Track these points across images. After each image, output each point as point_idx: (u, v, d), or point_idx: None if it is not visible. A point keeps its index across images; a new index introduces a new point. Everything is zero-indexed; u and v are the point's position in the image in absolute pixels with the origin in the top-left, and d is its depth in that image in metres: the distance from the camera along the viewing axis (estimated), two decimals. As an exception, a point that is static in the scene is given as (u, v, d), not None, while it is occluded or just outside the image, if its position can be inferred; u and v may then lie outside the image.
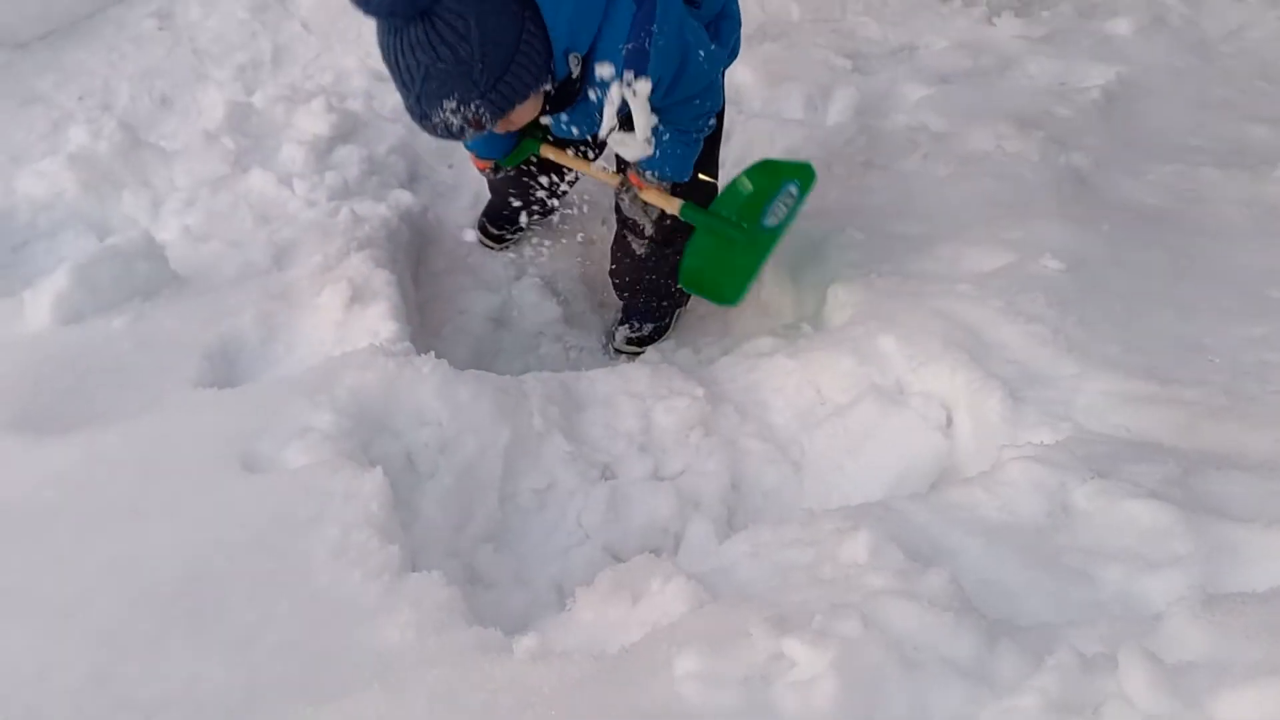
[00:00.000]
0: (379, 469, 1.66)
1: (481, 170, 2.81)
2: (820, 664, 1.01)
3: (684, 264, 2.46)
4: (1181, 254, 2.44)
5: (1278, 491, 1.30)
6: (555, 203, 2.92)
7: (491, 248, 3.18)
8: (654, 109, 2.07)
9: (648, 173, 2.36)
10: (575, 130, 2.31)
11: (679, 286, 2.59)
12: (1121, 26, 4.27)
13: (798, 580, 1.27)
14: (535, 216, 3.05)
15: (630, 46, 1.99)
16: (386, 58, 1.94)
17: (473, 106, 1.92)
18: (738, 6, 2.50)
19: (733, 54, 2.56)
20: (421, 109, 1.96)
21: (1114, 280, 2.24)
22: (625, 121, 2.07)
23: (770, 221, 2.39)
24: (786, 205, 2.42)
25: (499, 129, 2.09)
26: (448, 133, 2.00)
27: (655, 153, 2.19)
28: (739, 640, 1.08)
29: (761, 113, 3.61)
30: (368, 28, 3.93)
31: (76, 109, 3.65)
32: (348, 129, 3.30)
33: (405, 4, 1.80)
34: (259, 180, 3.05)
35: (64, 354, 2.22)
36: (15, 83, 3.73)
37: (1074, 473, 1.42)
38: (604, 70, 2.01)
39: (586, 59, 2.05)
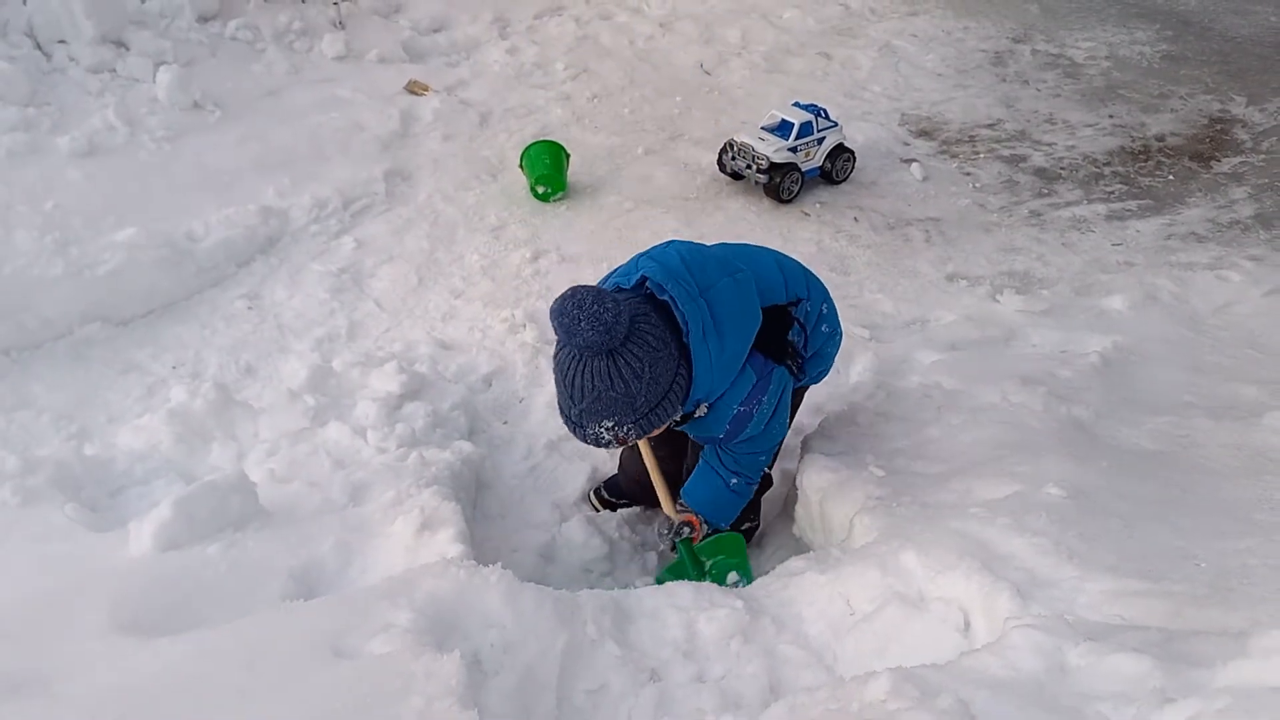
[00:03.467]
0: (456, 652, 1.87)
1: None
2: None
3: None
4: (1175, 486, 2.68)
5: (1244, 647, 1.47)
6: None
7: (598, 510, 3.51)
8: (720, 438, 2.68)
9: (699, 516, 2.87)
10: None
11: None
12: (1116, 303, 4.65)
13: (828, 709, 1.44)
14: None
15: (741, 409, 2.56)
16: (562, 375, 2.35)
17: (625, 428, 2.36)
18: (835, 349, 3.03)
19: (819, 376, 3.07)
20: (580, 421, 2.38)
21: (1112, 505, 2.47)
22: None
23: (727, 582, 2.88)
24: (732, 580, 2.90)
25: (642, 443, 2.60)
26: (596, 442, 2.42)
27: (710, 497, 2.83)
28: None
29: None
30: (434, 305, 4.45)
31: (169, 376, 4.06)
32: (415, 388, 3.67)
33: (601, 344, 2.23)
34: (335, 432, 3.39)
35: (165, 575, 2.47)
36: (115, 354, 4.16)
37: (1069, 638, 1.61)
38: (713, 419, 2.61)
39: (713, 405, 2.57)
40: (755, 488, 2.91)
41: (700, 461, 2.89)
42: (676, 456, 3.17)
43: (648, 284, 2.43)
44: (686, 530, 2.85)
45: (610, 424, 2.33)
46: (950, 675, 1.60)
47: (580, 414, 2.35)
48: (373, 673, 1.81)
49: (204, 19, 6.02)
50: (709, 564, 2.90)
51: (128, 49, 5.54)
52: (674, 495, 2.95)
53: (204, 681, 1.86)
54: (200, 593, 2.38)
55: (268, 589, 2.42)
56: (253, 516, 2.80)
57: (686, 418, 2.63)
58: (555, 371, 2.38)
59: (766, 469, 2.92)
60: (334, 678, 1.82)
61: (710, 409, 2.58)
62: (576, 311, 2.19)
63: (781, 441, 2.92)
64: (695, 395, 2.47)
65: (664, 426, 2.48)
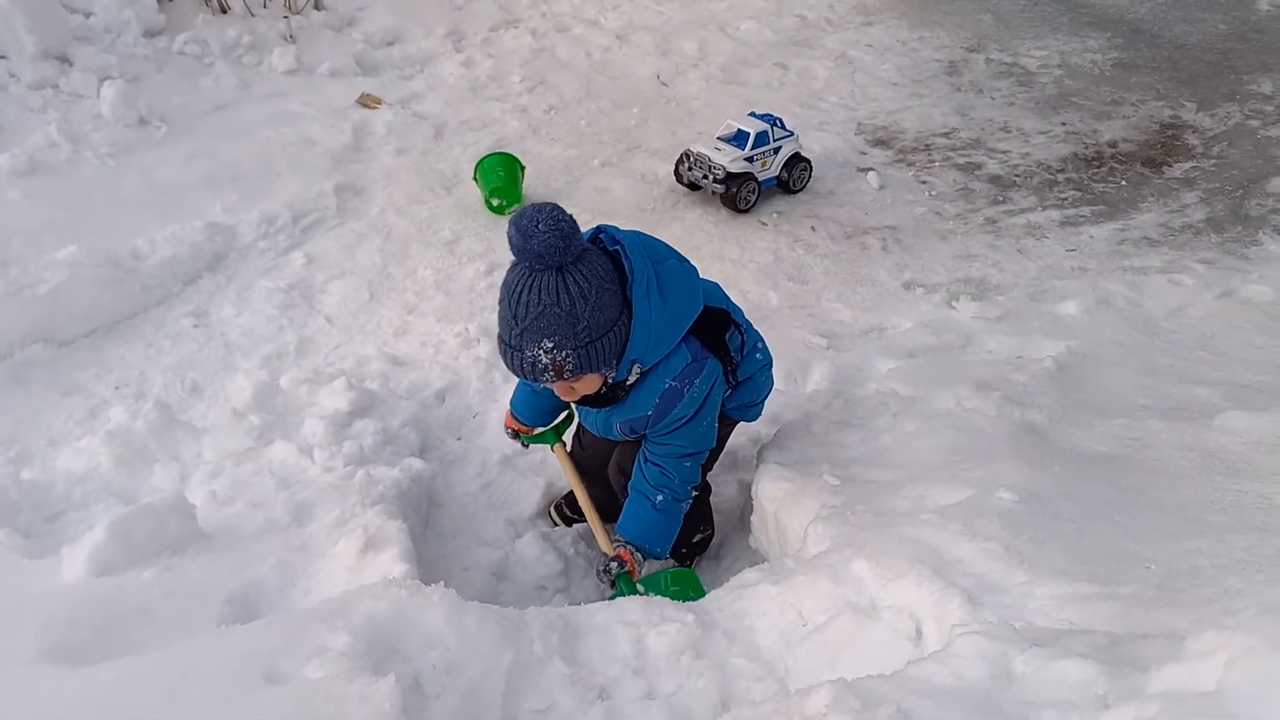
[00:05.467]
0: (392, 675, 1.80)
1: (507, 429, 3.24)
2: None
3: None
4: (1127, 489, 2.66)
5: (1180, 651, 1.44)
6: None
7: (555, 525, 3.50)
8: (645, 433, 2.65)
9: (631, 547, 2.81)
10: (591, 424, 2.82)
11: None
12: (1070, 308, 4.67)
13: (768, 726, 1.40)
14: None
15: (673, 384, 2.52)
16: (509, 294, 2.30)
17: (564, 353, 2.28)
18: (768, 382, 3.01)
19: (751, 408, 3.04)
20: (520, 344, 2.30)
21: (1063, 509, 2.45)
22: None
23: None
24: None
25: (561, 390, 2.49)
26: (531, 370, 2.33)
27: (639, 523, 2.78)
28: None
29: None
30: (386, 321, 4.39)
31: (113, 397, 3.96)
32: (365, 405, 3.60)
33: (554, 250, 2.18)
34: (281, 451, 3.32)
35: (97, 599, 2.38)
36: (58, 376, 4.06)
37: (1015, 645, 1.57)
38: (644, 391, 2.55)
39: (644, 375, 2.52)
40: (684, 506, 2.80)
41: (629, 494, 2.84)
42: (609, 488, 3.16)
43: (601, 236, 2.43)
44: (616, 566, 2.77)
45: (550, 345, 2.26)
46: (894, 685, 1.56)
47: (521, 334, 2.28)
48: (304, 698, 1.75)
49: (150, 34, 5.92)
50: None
51: (71, 64, 5.44)
52: (609, 532, 2.93)
53: (127, 710, 1.79)
54: (133, 618, 2.30)
55: (204, 613, 2.34)
56: (191, 539, 2.72)
57: (619, 387, 2.56)
58: (501, 293, 2.33)
59: (694, 489, 2.82)
60: (263, 703, 1.75)
61: (643, 378, 2.53)
62: (536, 215, 2.16)
63: (710, 456, 2.85)
64: (631, 354, 2.42)
65: (597, 376, 2.42)
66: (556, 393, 2.56)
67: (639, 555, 2.80)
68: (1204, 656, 1.03)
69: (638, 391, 2.56)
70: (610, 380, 2.50)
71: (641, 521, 2.78)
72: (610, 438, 2.83)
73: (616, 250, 2.40)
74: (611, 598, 2.68)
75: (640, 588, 2.73)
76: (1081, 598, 1.87)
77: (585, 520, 3.38)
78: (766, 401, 3.07)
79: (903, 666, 1.72)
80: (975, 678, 1.54)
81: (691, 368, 2.53)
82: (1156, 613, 1.75)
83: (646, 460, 2.75)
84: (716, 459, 3.14)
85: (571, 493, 3.41)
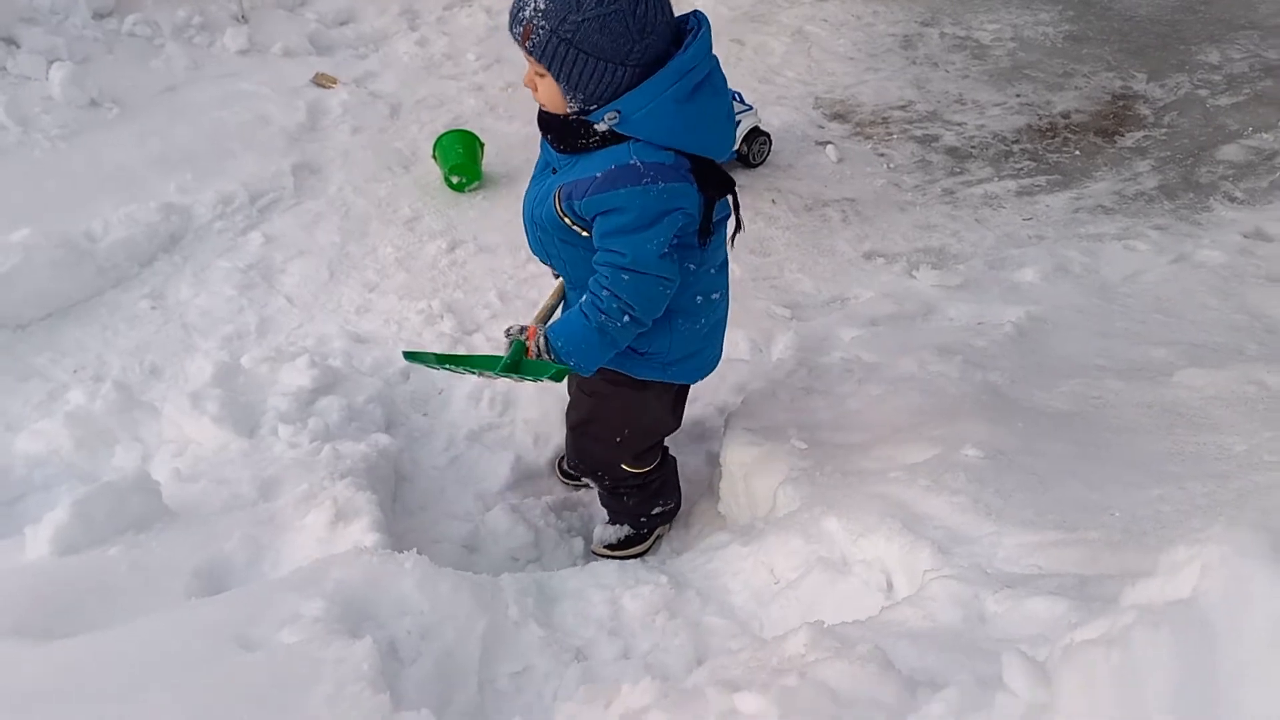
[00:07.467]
0: (369, 638, 1.80)
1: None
2: (765, 706, 1.16)
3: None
4: (1089, 444, 2.71)
5: (1153, 567, 1.47)
6: None
7: (565, 484, 3.53)
8: (584, 224, 2.33)
9: (543, 335, 2.42)
10: (531, 204, 2.52)
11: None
12: (1029, 275, 4.73)
13: (749, 668, 1.41)
14: None
15: (637, 163, 2.21)
16: None
17: (540, 20, 2.12)
18: (714, 331, 2.69)
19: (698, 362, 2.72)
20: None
21: (1028, 464, 2.49)
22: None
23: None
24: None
25: (527, 79, 2.31)
26: (516, 11, 2.18)
27: (564, 324, 2.41)
28: (695, 700, 1.22)
29: (710, 355, 3.95)
30: (347, 299, 4.36)
31: (71, 380, 3.89)
32: (329, 382, 3.57)
33: None
34: (244, 428, 3.28)
35: (61, 577, 2.36)
36: (13, 360, 3.97)
37: (986, 587, 1.60)
38: (603, 155, 2.26)
39: (614, 140, 2.25)
40: (604, 322, 2.35)
41: None
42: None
43: (690, 16, 2.28)
44: (517, 330, 2.45)
45: (541, 6, 2.10)
46: (870, 629, 1.58)
47: None
48: (279, 662, 1.74)
49: (99, 15, 5.79)
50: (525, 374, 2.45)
51: (18, 46, 5.31)
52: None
53: (98, 679, 1.77)
54: (99, 595, 2.27)
55: (172, 588, 2.32)
56: (156, 516, 2.69)
57: (583, 129, 2.29)
58: None
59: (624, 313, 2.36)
60: (237, 668, 1.74)
61: (609, 143, 2.25)
62: None
63: (658, 428, 2.73)
64: (618, 104, 2.20)
65: (556, 93, 2.24)
66: (524, 81, 2.34)
67: (545, 343, 2.40)
68: (1177, 568, 1.05)
69: (599, 152, 2.28)
70: (574, 110, 2.27)
71: (566, 321, 2.44)
72: (539, 234, 2.52)
73: (689, 29, 2.22)
74: (502, 365, 2.41)
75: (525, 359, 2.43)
76: (1049, 544, 1.90)
77: (588, 484, 3.39)
78: (724, 370, 2.91)
79: (877, 613, 1.74)
80: (948, 620, 1.57)
81: (665, 169, 2.22)
82: (1123, 554, 1.78)
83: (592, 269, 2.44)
84: (665, 432, 3.00)
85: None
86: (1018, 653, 1.15)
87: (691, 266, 2.44)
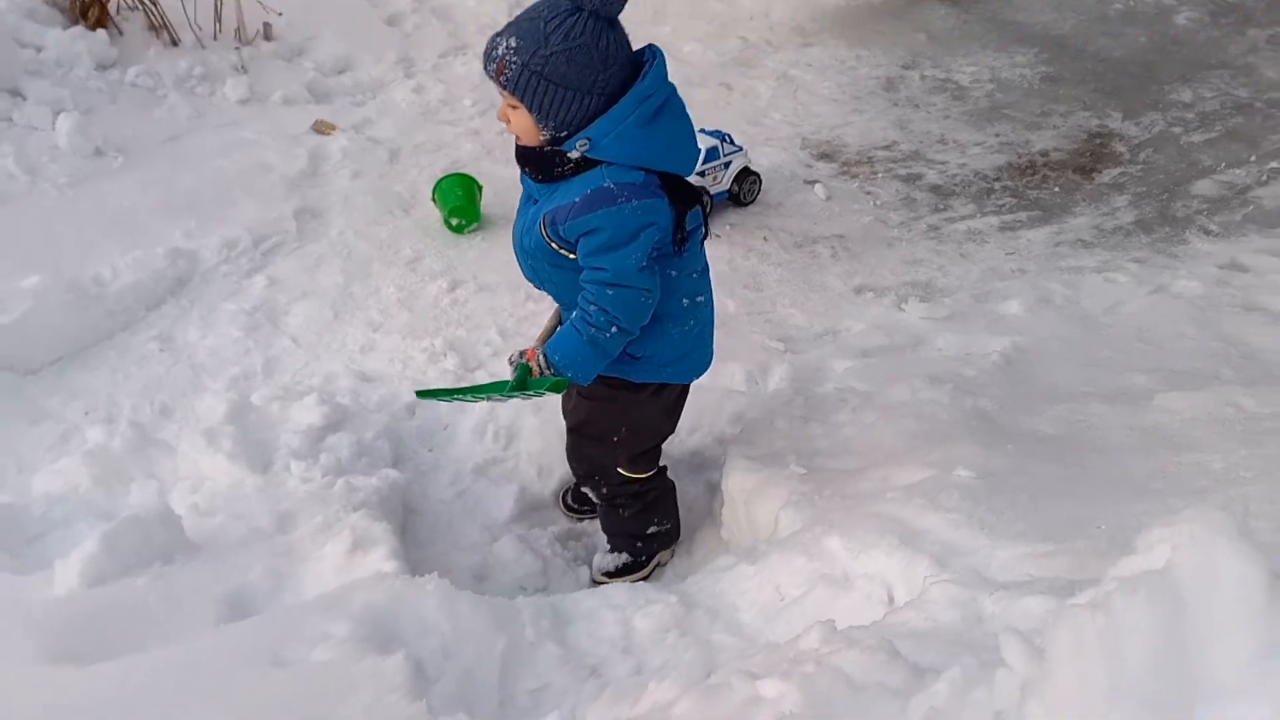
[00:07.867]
0: (400, 653, 1.89)
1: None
2: (787, 690, 1.26)
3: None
4: (1075, 465, 2.84)
5: (1133, 546, 1.56)
6: None
7: (568, 517, 3.63)
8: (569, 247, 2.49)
9: (542, 354, 2.58)
10: (518, 230, 2.71)
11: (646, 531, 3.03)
12: (1013, 307, 4.87)
13: (768, 661, 1.51)
14: None
15: (610, 185, 2.38)
16: (526, 12, 2.35)
17: (514, 57, 2.30)
18: (702, 329, 2.84)
19: (691, 370, 2.92)
20: (504, 30, 2.35)
21: (1018, 483, 2.61)
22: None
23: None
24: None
25: (500, 113, 2.47)
26: (489, 52, 2.37)
27: (559, 338, 2.58)
28: (720, 691, 1.32)
29: (710, 386, 4.06)
30: (352, 339, 4.48)
31: (83, 422, 3.98)
32: (337, 419, 3.67)
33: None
34: (257, 464, 3.38)
35: (93, 607, 2.44)
36: (25, 404, 4.05)
37: (983, 589, 1.71)
38: (578, 181, 2.42)
39: (587, 166, 2.41)
40: (595, 334, 2.51)
41: None
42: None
43: (646, 50, 2.46)
44: (517, 356, 2.63)
45: (514, 44, 2.29)
46: (875, 632, 1.69)
47: (509, 25, 2.35)
48: (316, 677, 1.83)
49: (102, 67, 5.93)
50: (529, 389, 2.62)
51: (25, 98, 5.44)
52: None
53: (139, 698, 1.85)
54: (132, 622, 2.35)
55: (201, 615, 2.40)
56: (179, 548, 2.78)
57: (557, 159, 2.44)
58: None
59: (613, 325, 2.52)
60: (274, 684, 1.83)
61: (584, 169, 2.41)
62: None
63: (651, 434, 2.89)
64: (588, 131, 2.37)
65: (529, 124, 2.39)
66: (498, 115, 2.50)
67: (544, 360, 2.57)
68: (1152, 546, 1.17)
69: (574, 179, 2.44)
70: (547, 140, 2.43)
71: (558, 335, 2.63)
72: (530, 262, 2.70)
73: (645, 60, 2.41)
74: (510, 388, 2.58)
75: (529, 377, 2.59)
76: (1040, 555, 2.02)
77: (591, 515, 3.53)
78: (721, 401, 3.10)
79: (880, 618, 1.85)
80: (948, 619, 1.68)
81: (637, 188, 2.39)
82: (1109, 561, 1.89)
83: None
84: (660, 435, 3.13)
85: (576, 485, 3.51)
86: (1015, 632, 1.26)
87: (673, 273, 2.62)
